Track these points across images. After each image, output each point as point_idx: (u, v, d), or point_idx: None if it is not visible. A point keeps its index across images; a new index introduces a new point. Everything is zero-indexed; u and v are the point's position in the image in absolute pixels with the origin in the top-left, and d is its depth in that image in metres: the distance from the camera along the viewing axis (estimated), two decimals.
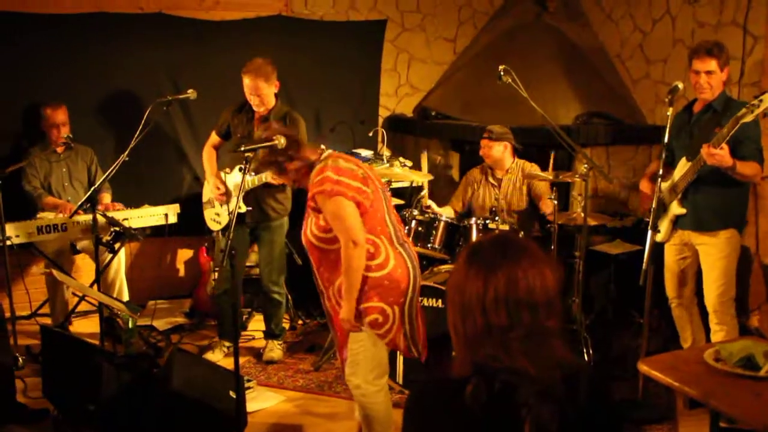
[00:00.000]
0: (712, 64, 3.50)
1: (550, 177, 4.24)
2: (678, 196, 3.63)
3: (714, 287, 3.63)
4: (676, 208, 3.66)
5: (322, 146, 3.08)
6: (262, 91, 4.16)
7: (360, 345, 2.98)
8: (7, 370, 3.56)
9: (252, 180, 4.17)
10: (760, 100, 3.19)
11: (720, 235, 3.60)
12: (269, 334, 4.51)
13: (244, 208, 4.23)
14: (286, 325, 4.94)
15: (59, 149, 4.62)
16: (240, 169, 4.24)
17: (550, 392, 1.48)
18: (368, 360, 2.99)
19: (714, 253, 3.62)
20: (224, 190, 4.37)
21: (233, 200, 4.36)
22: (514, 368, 1.50)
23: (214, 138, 4.51)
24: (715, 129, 3.43)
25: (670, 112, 3.49)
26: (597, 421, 1.56)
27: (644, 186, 3.96)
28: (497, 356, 1.53)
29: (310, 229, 2.97)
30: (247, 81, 4.16)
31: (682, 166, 3.62)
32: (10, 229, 4.02)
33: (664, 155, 3.47)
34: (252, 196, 4.22)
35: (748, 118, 3.23)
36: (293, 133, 3.09)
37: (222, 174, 4.43)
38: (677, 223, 3.71)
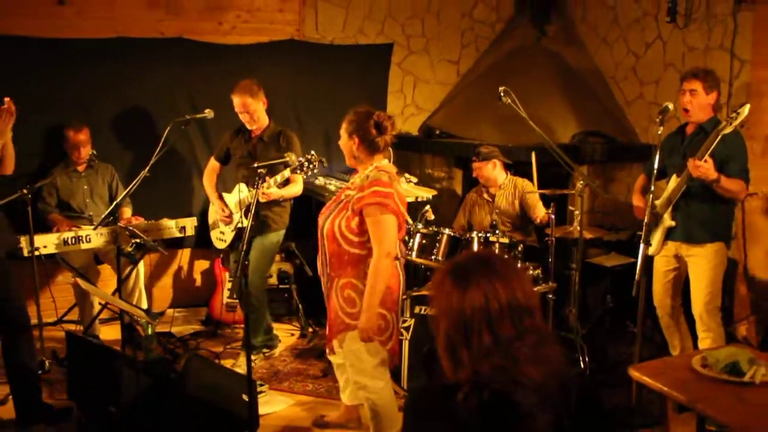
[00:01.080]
0: (696, 84, 3.60)
1: (547, 192, 4.30)
2: (669, 209, 3.69)
3: (701, 296, 3.68)
4: (667, 221, 3.72)
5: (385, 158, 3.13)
6: (249, 107, 4.25)
7: (361, 344, 3.00)
8: (33, 373, 3.63)
9: (249, 195, 4.28)
10: (737, 113, 3.30)
11: (708, 247, 3.66)
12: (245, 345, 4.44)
13: (246, 223, 4.29)
14: (296, 332, 4.98)
15: (80, 168, 4.69)
16: (245, 186, 4.35)
17: (550, 401, 1.50)
18: (372, 355, 3.04)
19: (703, 264, 3.67)
20: (228, 212, 4.45)
21: (236, 216, 4.44)
22: (518, 378, 1.50)
23: (213, 163, 4.60)
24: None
25: (660, 131, 3.54)
26: (589, 429, 1.58)
27: (637, 200, 4.00)
28: (505, 366, 1.51)
29: (339, 223, 2.99)
30: (235, 100, 4.26)
31: (673, 183, 3.68)
32: (38, 241, 4.07)
33: (655, 173, 3.52)
34: (255, 211, 4.27)
35: (728, 130, 3.33)
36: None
37: (224, 196, 4.54)
38: (668, 235, 3.76)
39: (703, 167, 3.37)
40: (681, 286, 3.88)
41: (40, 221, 4.47)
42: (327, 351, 3.29)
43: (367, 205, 2.91)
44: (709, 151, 3.37)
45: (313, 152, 3.86)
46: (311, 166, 3.84)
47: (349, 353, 3.06)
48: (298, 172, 4.03)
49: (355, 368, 3.08)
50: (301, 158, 3.88)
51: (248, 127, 4.35)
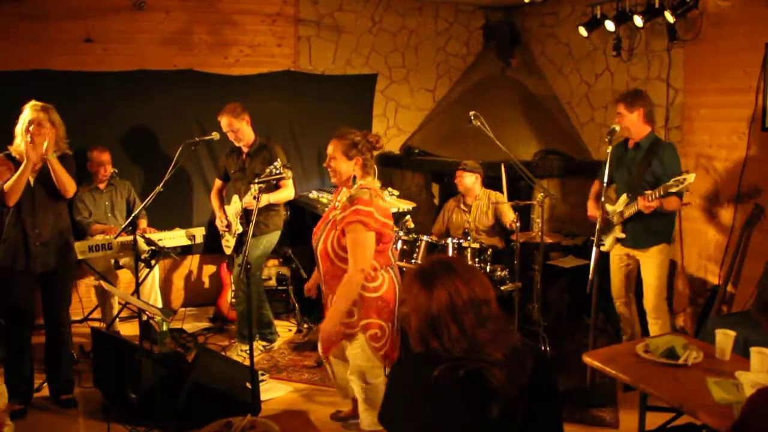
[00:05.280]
0: (619, 107, 3.72)
1: (512, 203, 4.36)
2: (619, 225, 3.78)
3: (651, 289, 3.77)
4: (618, 233, 3.80)
5: (371, 176, 2.99)
6: (234, 126, 4.24)
7: (360, 350, 2.94)
8: (71, 363, 3.70)
9: (238, 205, 4.33)
10: (684, 179, 3.36)
11: (652, 249, 3.75)
12: (238, 335, 4.51)
13: (241, 229, 4.32)
14: (293, 328, 4.98)
15: (101, 185, 4.70)
16: (237, 197, 4.39)
17: (514, 374, 1.56)
18: (367, 359, 2.95)
19: (650, 263, 3.77)
20: (226, 222, 4.49)
21: (233, 225, 4.47)
22: (484, 358, 1.57)
23: (217, 183, 4.63)
24: (648, 169, 3.61)
25: (609, 149, 3.61)
26: (541, 389, 1.63)
27: (591, 209, 4.04)
28: (472, 349, 1.58)
29: (332, 243, 2.90)
30: (222, 121, 4.26)
31: (623, 201, 3.75)
32: None
33: (605, 182, 3.60)
34: (246, 217, 4.31)
35: (673, 189, 3.42)
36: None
37: (226, 208, 4.57)
38: (618, 240, 3.84)
39: (652, 207, 3.50)
40: (634, 280, 3.95)
41: (80, 231, 4.50)
42: (323, 355, 3.18)
43: (348, 223, 2.82)
44: (658, 197, 3.47)
45: (278, 161, 3.69)
46: (279, 173, 3.73)
47: (351, 356, 2.98)
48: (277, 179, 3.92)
49: (354, 369, 2.99)
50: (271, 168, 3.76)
51: (235, 144, 4.35)
